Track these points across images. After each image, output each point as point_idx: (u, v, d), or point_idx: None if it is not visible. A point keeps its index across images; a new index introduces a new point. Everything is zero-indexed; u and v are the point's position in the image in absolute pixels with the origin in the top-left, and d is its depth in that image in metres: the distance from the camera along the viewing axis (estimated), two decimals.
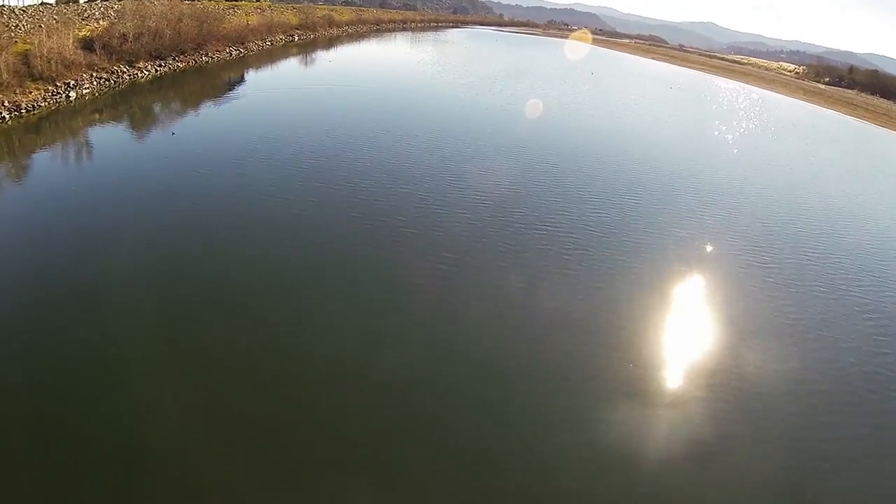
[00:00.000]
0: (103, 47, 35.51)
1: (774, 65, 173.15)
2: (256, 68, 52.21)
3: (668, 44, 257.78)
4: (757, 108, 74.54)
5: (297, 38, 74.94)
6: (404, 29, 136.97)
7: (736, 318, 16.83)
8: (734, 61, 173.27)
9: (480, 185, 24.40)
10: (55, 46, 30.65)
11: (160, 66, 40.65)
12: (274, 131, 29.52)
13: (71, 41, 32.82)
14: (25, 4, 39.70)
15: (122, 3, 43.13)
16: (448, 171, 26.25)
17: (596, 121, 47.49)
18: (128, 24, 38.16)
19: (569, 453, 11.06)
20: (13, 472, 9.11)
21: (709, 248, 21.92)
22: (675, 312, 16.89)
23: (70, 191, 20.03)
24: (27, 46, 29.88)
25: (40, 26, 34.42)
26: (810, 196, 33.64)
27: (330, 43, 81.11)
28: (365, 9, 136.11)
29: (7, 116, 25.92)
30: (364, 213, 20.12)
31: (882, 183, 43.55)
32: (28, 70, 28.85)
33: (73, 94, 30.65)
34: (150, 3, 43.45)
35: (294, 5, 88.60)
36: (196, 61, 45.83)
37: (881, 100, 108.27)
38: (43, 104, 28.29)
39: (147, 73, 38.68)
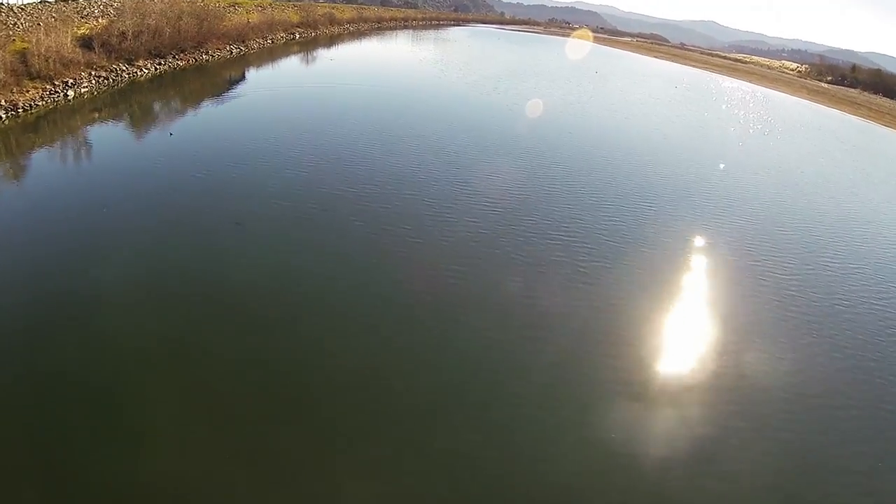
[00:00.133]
0: (102, 45, 34.96)
1: (777, 63, 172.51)
2: (257, 67, 51.62)
3: (669, 42, 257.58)
4: (763, 108, 73.92)
5: (298, 36, 74.33)
6: (406, 27, 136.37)
7: (748, 322, 16.62)
8: (736, 60, 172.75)
9: (488, 190, 23.78)
10: (53, 45, 30.08)
11: (160, 64, 40.11)
12: (275, 131, 28.94)
13: (69, 39, 32.25)
14: (24, 2, 39.00)
15: (121, 0, 42.52)
16: (454, 175, 25.63)
17: (603, 121, 46.90)
18: (127, 22, 37.60)
19: (577, 454, 10.97)
20: (13, 472, 9.05)
21: (722, 253, 21.48)
22: (685, 315, 16.75)
23: (68, 190, 19.69)
24: (25, 45, 29.33)
25: (39, 24, 33.80)
26: (825, 202, 33.00)
27: (331, 41, 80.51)
28: (366, 7, 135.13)
29: (4, 116, 25.39)
30: (367, 218, 19.61)
31: (890, 186, 43.00)
32: (26, 69, 28.31)
33: (71, 93, 30.10)
34: (150, 0, 42.86)
35: (295, 3, 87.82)
36: (196, 59, 45.26)
37: (884, 99, 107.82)
38: (40, 103, 27.75)
39: (146, 71, 38.13)
